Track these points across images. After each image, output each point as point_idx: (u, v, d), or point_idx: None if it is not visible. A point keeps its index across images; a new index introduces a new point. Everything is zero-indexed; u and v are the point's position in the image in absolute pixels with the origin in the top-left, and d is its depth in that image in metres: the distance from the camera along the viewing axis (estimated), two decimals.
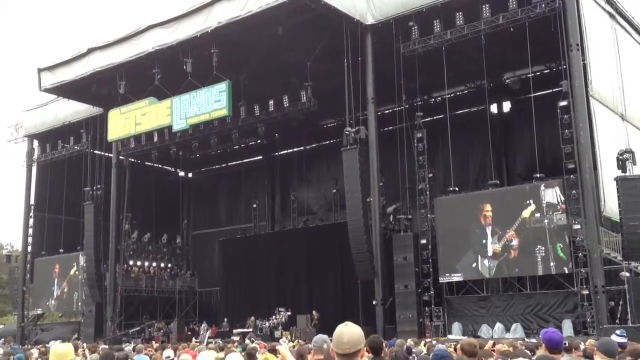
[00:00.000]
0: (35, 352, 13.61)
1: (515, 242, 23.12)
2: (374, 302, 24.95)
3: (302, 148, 38.82)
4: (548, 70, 29.20)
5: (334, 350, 3.64)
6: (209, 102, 27.66)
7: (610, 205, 21.86)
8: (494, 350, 8.84)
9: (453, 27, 24.23)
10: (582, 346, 10.03)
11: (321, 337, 5.02)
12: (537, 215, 22.75)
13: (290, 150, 39.74)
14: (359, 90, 25.41)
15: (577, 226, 21.77)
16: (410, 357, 9.35)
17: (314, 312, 28.30)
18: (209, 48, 26.22)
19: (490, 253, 23.65)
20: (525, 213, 22.83)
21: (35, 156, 38.86)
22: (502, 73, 30.55)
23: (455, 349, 9.05)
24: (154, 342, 26.28)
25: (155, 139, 32.72)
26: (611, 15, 25.36)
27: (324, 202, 37.25)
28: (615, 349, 5.84)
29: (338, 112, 29.74)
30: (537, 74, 28.79)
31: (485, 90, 28.37)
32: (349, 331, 3.60)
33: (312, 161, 38.11)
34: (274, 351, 9.17)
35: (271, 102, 29.89)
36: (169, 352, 10.65)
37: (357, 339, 3.60)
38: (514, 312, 23.30)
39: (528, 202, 23.00)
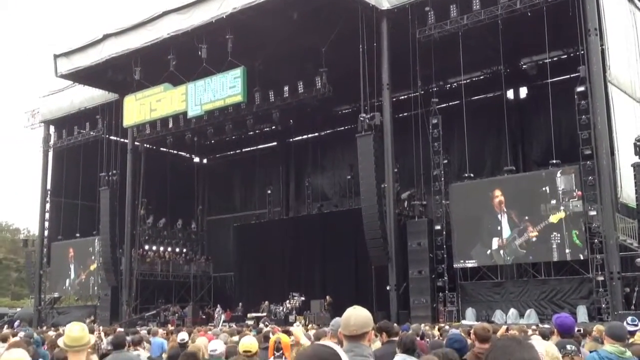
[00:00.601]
0: (52, 334, 13.79)
1: (534, 240, 23.01)
2: (387, 288, 24.99)
3: (316, 134, 38.85)
4: (565, 56, 28.90)
5: (341, 333, 3.69)
6: (223, 88, 27.73)
7: (627, 191, 21.71)
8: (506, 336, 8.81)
9: (469, 12, 24.04)
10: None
11: (338, 320, 5.04)
12: (553, 202, 22.60)
13: (305, 137, 39.76)
14: (374, 76, 25.33)
15: (593, 212, 21.65)
16: (423, 342, 9.38)
17: (327, 297, 28.38)
18: (224, 34, 26.24)
19: (505, 241, 23.56)
20: (554, 219, 22.46)
21: (52, 142, 39.13)
22: (519, 58, 30.27)
23: (468, 334, 9.04)
24: (169, 325, 26.52)
25: (171, 125, 32.83)
26: None
27: (338, 188, 37.26)
28: (625, 334, 5.81)
29: (353, 98, 29.64)
30: (555, 59, 28.52)
31: (502, 75, 28.11)
32: (356, 314, 3.65)
33: (327, 147, 38.10)
34: (288, 334, 9.23)
35: (286, 88, 29.90)
36: (183, 335, 10.74)
37: (364, 322, 3.63)
38: (528, 298, 23.25)
39: (544, 188, 22.83)
